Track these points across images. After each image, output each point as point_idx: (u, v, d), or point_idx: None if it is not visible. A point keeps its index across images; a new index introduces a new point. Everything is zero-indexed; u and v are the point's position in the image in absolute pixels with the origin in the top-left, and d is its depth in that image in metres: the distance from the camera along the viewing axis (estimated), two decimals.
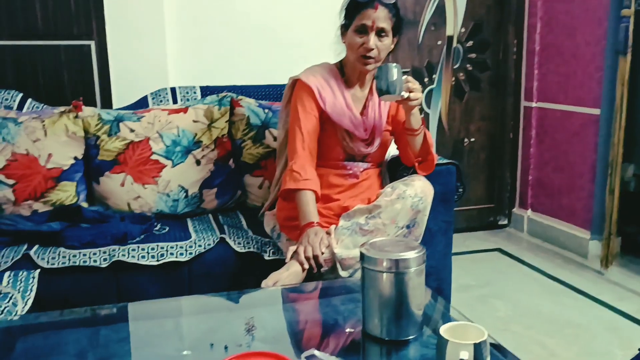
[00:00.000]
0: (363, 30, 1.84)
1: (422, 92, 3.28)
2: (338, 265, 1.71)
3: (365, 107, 1.97)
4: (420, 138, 1.92)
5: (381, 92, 1.73)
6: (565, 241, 3.19)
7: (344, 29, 1.91)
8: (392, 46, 1.92)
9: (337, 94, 1.92)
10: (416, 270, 1.20)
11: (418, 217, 1.82)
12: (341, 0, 1.93)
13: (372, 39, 1.83)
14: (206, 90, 2.45)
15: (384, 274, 1.20)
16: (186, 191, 2.20)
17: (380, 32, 1.84)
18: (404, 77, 1.76)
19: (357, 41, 1.84)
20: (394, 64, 1.73)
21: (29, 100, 2.35)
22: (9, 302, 1.61)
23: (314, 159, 1.89)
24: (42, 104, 2.37)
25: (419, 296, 1.23)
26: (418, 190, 1.82)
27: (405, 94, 1.75)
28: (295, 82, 1.96)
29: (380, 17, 1.82)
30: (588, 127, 3.02)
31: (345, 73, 1.97)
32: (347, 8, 1.90)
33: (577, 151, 3.11)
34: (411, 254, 1.20)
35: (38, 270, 1.77)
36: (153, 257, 1.85)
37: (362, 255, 1.24)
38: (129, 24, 2.62)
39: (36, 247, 1.87)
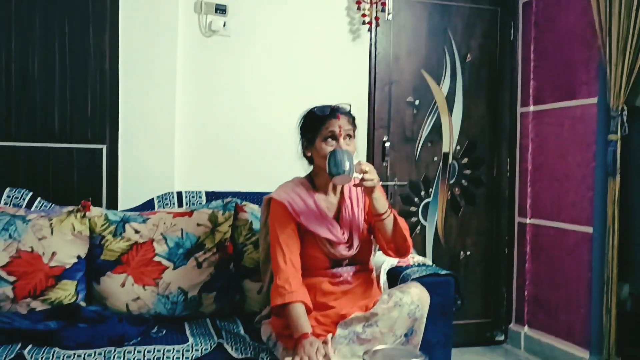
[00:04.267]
0: (332, 138, 1.93)
1: (418, 206, 3.38)
2: None
3: (339, 211, 2.03)
4: (390, 222, 1.95)
5: (332, 175, 1.82)
6: None
7: (309, 142, 1.99)
8: (355, 150, 1.99)
9: (309, 203, 1.98)
10: None
11: (415, 325, 1.83)
12: None
13: (342, 144, 1.91)
14: (211, 195, 2.53)
15: None
16: (185, 294, 2.20)
17: (346, 136, 1.94)
18: (356, 161, 1.85)
19: (328, 149, 1.91)
20: (344, 149, 1.85)
21: (38, 199, 2.42)
22: None
23: (298, 271, 1.92)
24: (50, 203, 2.43)
25: None
26: (415, 297, 1.84)
27: (359, 175, 1.82)
28: (270, 200, 2.03)
29: (344, 123, 1.93)
30: (582, 245, 3.08)
31: (316, 183, 2.04)
32: (308, 123, 2.00)
33: (572, 268, 3.14)
34: None
35: None
36: None
37: None
38: (141, 131, 2.75)
39: (30, 346, 1.85)
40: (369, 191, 1.88)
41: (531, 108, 3.45)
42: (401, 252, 2.00)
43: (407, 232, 1.98)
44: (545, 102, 3.35)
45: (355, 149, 1.98)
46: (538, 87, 3.41)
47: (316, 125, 1.96)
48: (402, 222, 1.98)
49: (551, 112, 3.31)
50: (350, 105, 2.00)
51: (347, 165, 1.81)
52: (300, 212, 1.96)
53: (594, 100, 2.99)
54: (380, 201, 1.92)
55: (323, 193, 2.04)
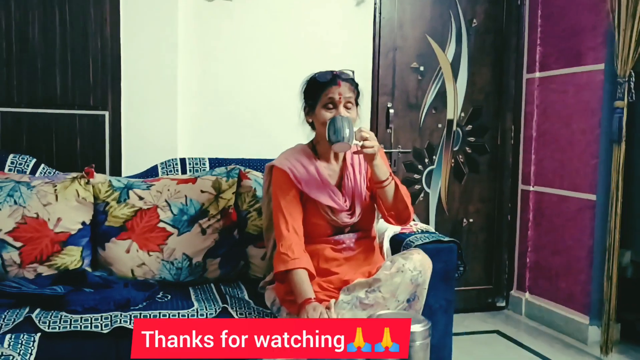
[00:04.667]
0: (332, 105, 1.91)
1: (422, 174, 3.38)
2: None
3: (341, 178, 2.02)
4: (391, 190, 1.94)
5: (331, 142, 1.81)
6: (564, 326, 3.17)
7: (310, 108, 1.99)
8: (357, 118, 1.98)
9: (310, 171, 1.97)
10: (422, 344, 1.22)
11: (418, 290, 1.85)
12: None
13: (342, 111, 1.90)
14: (215, 162, 2.53)
15: None
16: (190, 260, 2.22)
17: (346, 104, 1.92)
18: (357, 128, 1.83)
19: (327, 116, 1.90)
20: (344, 116, 1.83)
21: (42, 165, 2.42)
22: None
23: (301, 238, 1.92)
24: (54, 170, 2.44)
25: None
26: (417, 263, 1.85)
27: (359, 142, 1.82)
28: (271, 168, 2.03)
29: (345, 90, 1.91)
30: (584, 212, 3.08)
31: (318, 151, 2.03)
32: (310, 89, 1.98)
33: (574, 235, 3.16)
34: (417, 327, 1.22)
35: (39, 334, 1.76)
36: None
37: None
38: (143, 97, 2.72)
39: (38, 310, 1.88)
40: (369, 158, 1.87)
41: (537, 74, 3.41)
42: (402, 220, 2.01)
43: (408, 200, 1.98)
44: (551, 68, 3.31)
45: (356, 116, 1.96)
46: (544, 53, 3.37)
47: (317, 91, 1.94)
48: (403, 189, 1.97)
49: (557, 78, 3.27)
50: (353, 72, 1.98)
51: (346, 132, 1.79)
52: (302, 179, 1.96)
53: (601, 66, 2.96)
54: (381, 168, 1.91)
55: (325, 160, 2.03)
